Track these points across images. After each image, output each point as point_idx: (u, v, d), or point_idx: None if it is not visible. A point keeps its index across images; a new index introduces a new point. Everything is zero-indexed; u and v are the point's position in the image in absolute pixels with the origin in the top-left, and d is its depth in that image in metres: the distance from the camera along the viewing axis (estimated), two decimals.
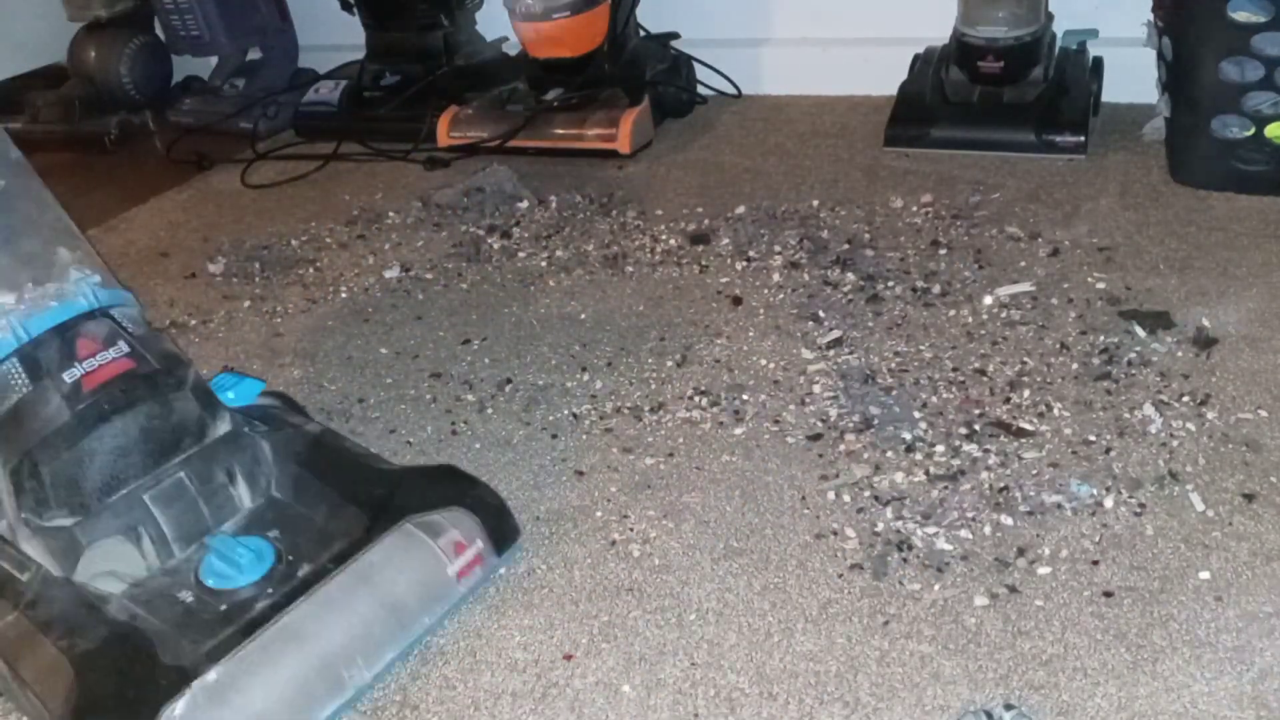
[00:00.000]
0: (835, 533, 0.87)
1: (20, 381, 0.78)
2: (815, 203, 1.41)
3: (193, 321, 1.33)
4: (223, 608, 0.77)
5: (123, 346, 0.81)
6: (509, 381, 1.12)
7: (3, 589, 0.79)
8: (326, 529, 0.83)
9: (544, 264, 1.36)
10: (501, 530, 0.86)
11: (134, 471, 0.80)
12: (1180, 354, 1.02)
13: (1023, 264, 1.20)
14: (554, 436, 1.03)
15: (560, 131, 1.67)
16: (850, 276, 1.22)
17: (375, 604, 0.77)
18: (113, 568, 0.79)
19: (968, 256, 1.24)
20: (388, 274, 1.38)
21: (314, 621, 0.75)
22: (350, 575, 0.78)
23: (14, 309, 0.79)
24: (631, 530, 0.90)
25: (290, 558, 0.81)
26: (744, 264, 1.29)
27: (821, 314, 1.16)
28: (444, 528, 0.82)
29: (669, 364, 1.12)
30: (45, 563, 0.79)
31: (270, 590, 0.78)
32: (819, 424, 0.99)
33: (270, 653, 0.73)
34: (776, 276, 1.25)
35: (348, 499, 0.85)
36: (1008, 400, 0.99)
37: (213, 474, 0.84)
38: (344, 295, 1.35)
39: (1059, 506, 0.86)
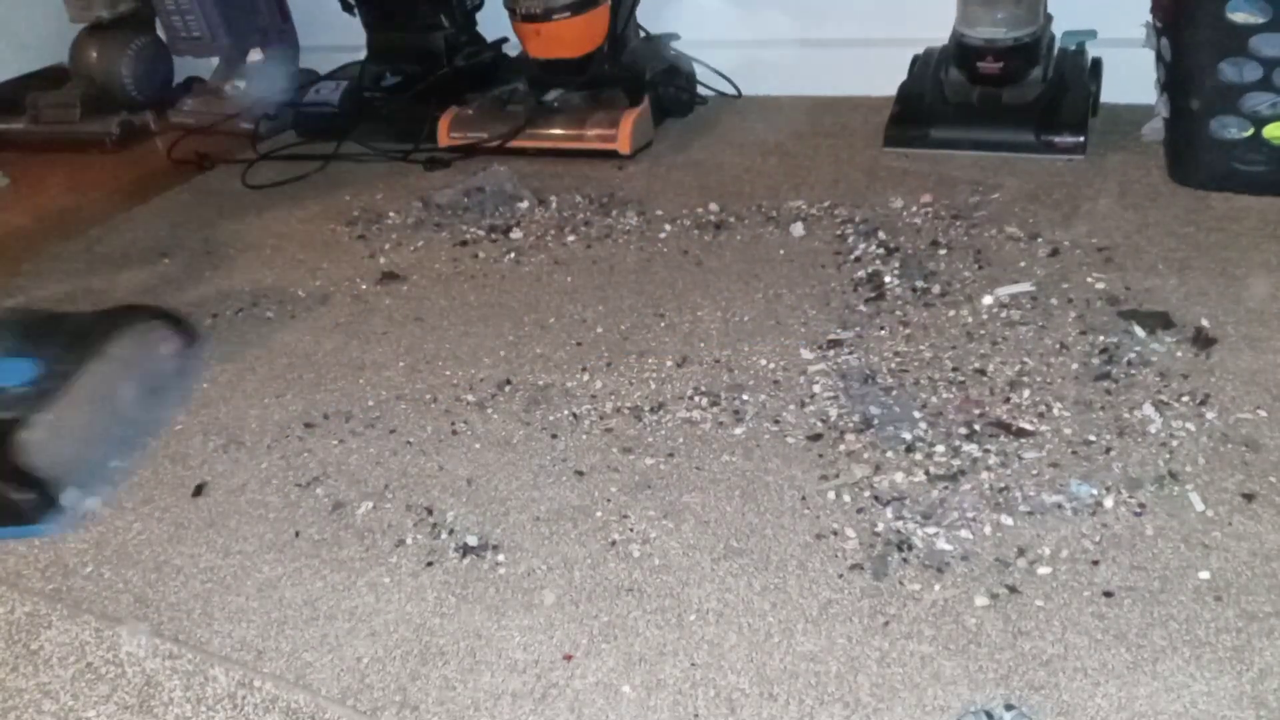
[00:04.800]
0: (835, 533, 0.87)
1: None
2: (815, 203, 1.41)
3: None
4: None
5: None
6: (509, 382, 1.13)
7: None
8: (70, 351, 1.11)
9: (544, 264, 1.36)
10: (185, 327, 1.24)
11: None
12: (1180, 354, 1.02)
13: (1022, 264, 1.21)
14: (554, 436, 1.03)
15: (560, 132, 1.67)
16: (850, 276, 1.22)
17: (127, 374, 1.12)
18: None
19: (967, 256, 1.24)
20: (387, 274, 1.38)
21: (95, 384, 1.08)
22: (101, 360, 1.09)
23: None
24: (631, 530, 0.90)
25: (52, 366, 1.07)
26: (744, 264, 1.29)
27: (822, 314, 1.16)
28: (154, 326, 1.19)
29: (669, 364, 1.12)
30: None
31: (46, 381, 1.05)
32: (819, 424, 1.00)
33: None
34: (777, 277, 1.25)
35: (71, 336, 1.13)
36: (1008, 400, 0.99)
37: None
38: (344, 295, 1.35)
39: (1059, 506, 0.86)
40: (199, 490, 1.02)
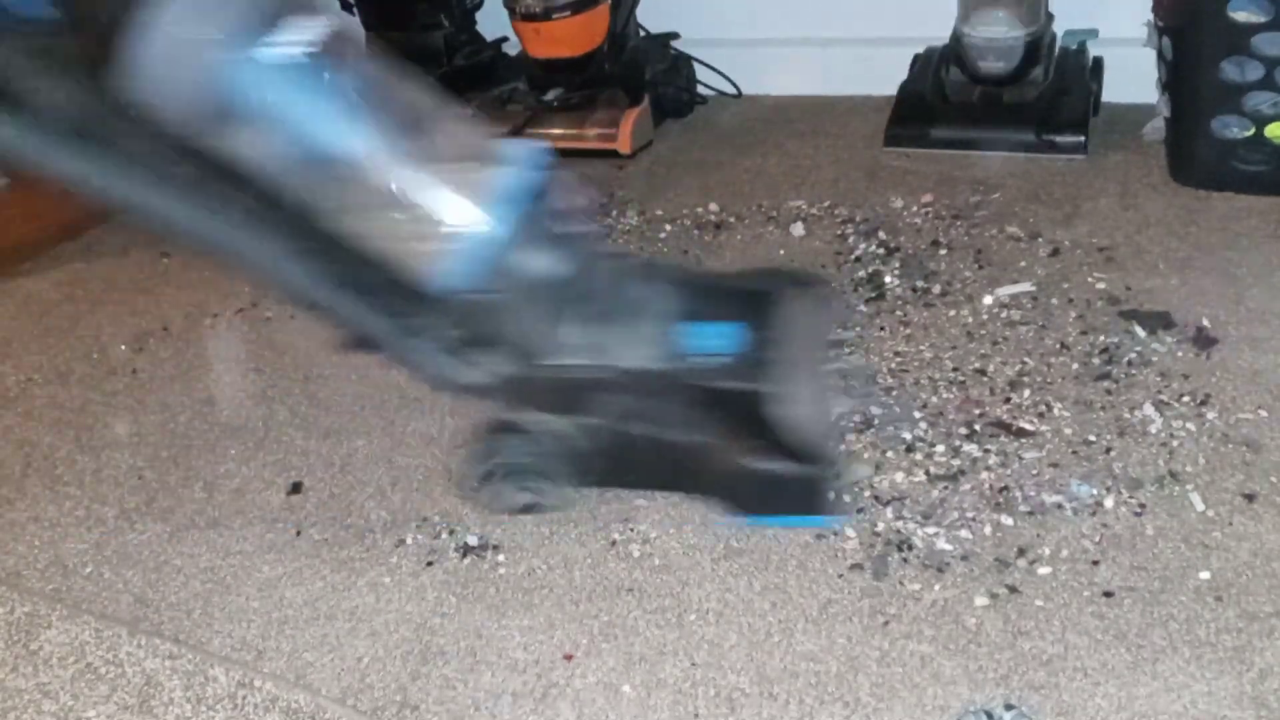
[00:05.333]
0: (835, 533, 0.87)
1: None
2: (815, 202, 1.41)
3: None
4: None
5: None
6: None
7: None
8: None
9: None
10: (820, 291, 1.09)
11: None
12: (1180, 354, 1.02)
13: (1023, 264, 1.20)
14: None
15: (560, 131, 1.66)
16: (851, 276, 1.22)
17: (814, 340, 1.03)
18: None
19: (968, 256, 1.23)
20: None
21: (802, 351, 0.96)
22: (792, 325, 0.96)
23: None
24: (631, 530, 0.90)
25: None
26: (744, 264, 1.29)
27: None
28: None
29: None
30: None
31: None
32: None
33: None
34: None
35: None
36: (1008, 400, 0.99)
37: None
38: None
39: (1059, 506, 0.86)
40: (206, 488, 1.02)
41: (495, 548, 0.90)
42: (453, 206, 0.81)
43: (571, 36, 1.62)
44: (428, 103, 0.86)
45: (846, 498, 0.89)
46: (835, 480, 0.88)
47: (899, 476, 0.91)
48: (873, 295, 1.18)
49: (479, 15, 1.88)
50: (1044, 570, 0.81)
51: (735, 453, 0.86)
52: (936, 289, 1.18)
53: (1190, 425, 0.93)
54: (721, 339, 0.91)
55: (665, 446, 0.88)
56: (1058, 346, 1.05)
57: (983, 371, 1.04)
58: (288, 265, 0.83)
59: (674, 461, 0.89)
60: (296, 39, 0.76)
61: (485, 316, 0.86)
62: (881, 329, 1.12)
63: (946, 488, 0.89)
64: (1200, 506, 0.84)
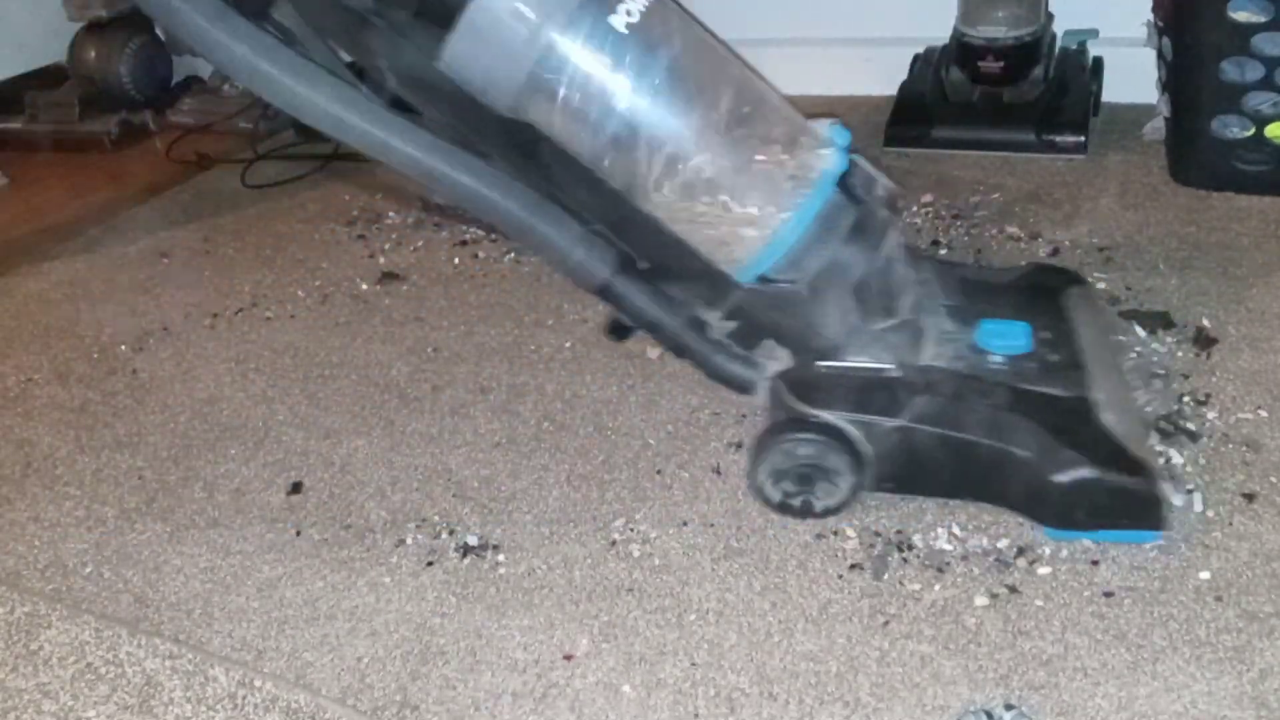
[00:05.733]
0: (835, 533, 0.87)
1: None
2: None
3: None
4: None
5: None
6: (509, 382, 1.12)
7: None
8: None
9: (544, 264, 1.36)
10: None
11: None
12: (1180, 354, 1.02)
13: (1023, 264, 1.20)
14: (555, 435, 1.03)
15: None
16: None
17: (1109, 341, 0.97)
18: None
19: (968, 256, 1.23)
20: (387, 274, 1.38)
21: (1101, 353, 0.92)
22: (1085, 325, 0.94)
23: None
24: (631, 530, 0.90)
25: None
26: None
27: None
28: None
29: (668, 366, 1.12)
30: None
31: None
32: None
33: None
34: None
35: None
36: None
37: None
38: (344, 295, 1.35)
39: None
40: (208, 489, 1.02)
41: (495, 548, 0.90)
42: (761, 193, 0.80)
43: None
44: (748, 78, 0.84)
45: (1178, 502, 0.83)
46: (1161, 492, 0.80)
47: None
48: None
49: None
50: (1044, 570, 0.81)
51: (1058, 464, 0.79)
52: None
53: (1191, 425, 0.93)
54: (1020, 339, 0.87)
55: (971, 452, 0.83)
56: None
57: None
58: (583, 248, 0.83)
59: (980, 469, 0.84)
60: (624, 9, 0.75)
61: (776, 309, 0.83)
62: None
63: None
64: (1200, 506, 0.84)
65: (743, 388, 0.89)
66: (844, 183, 0.83)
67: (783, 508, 0.88)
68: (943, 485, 0.87)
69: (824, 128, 0.85)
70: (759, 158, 0.81)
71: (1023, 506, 0.84)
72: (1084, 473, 0.79)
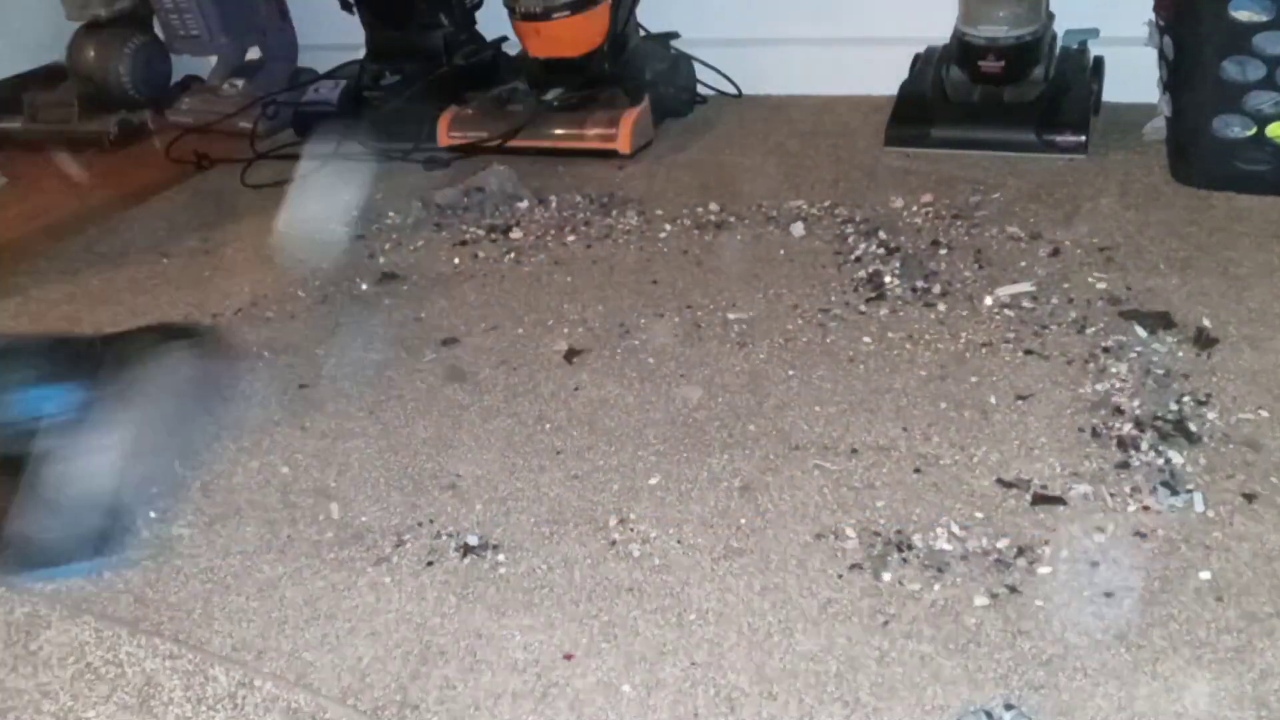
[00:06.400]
0: (835, 533, 0.87)
1: None
2: (815, 202, 1.41)
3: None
4: None
5: None
6: (509, 383, 1.12)
7: None
8: None
9: (544, 264, 1.36)
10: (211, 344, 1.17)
11: None
12: (1181, 354, 1.02)
13: (1023, 264, 1.20)
14: (555, 437, 1.03)
15: (560, 131, 1.67)
16: (851, 276, 1.22)
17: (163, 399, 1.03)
18: None
19: (968, 256, 1.23)
20: (387, 274, 1.38)
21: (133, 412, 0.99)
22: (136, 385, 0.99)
23: None
24: (631, 530, 0.90)
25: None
26: (744, 265, 1.29)
27: (822, 313, 1.16)
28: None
29: (668, 368, 1.12)
30: None
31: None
32: None
33: None
34: (777, 277, 1.25)
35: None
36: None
37: None
38: (344, 295, 1.35)
39: (1059, 506, 0.86)
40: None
41: (495, 548, 0.90)
42: None
43: (571, 36, 1.62)
44: None
45: (111, 549, 0.92)
46: (103, 537, 0.90)
47: (898, 475, 0.91)
48: (873, 295, 1.18)
49: (479, 15, 1.88)
50: (1044, 570, 0.80)
51: (8, 516, 0.87)
52: (936, 289, 1.18)
53: (1191, 425, 0.92)
54: (50, 403, 0.92)
55: None
56: (1056, 347, 1.05)
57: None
58: None
59: None
60: None
61: None
62: (882, 328, 1.12)
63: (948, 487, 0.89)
64: (1200, 506, 0.84)
65: None
66: None
67: None
68: None
69: None
70: None
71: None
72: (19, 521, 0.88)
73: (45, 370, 0.97)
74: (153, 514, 0.98)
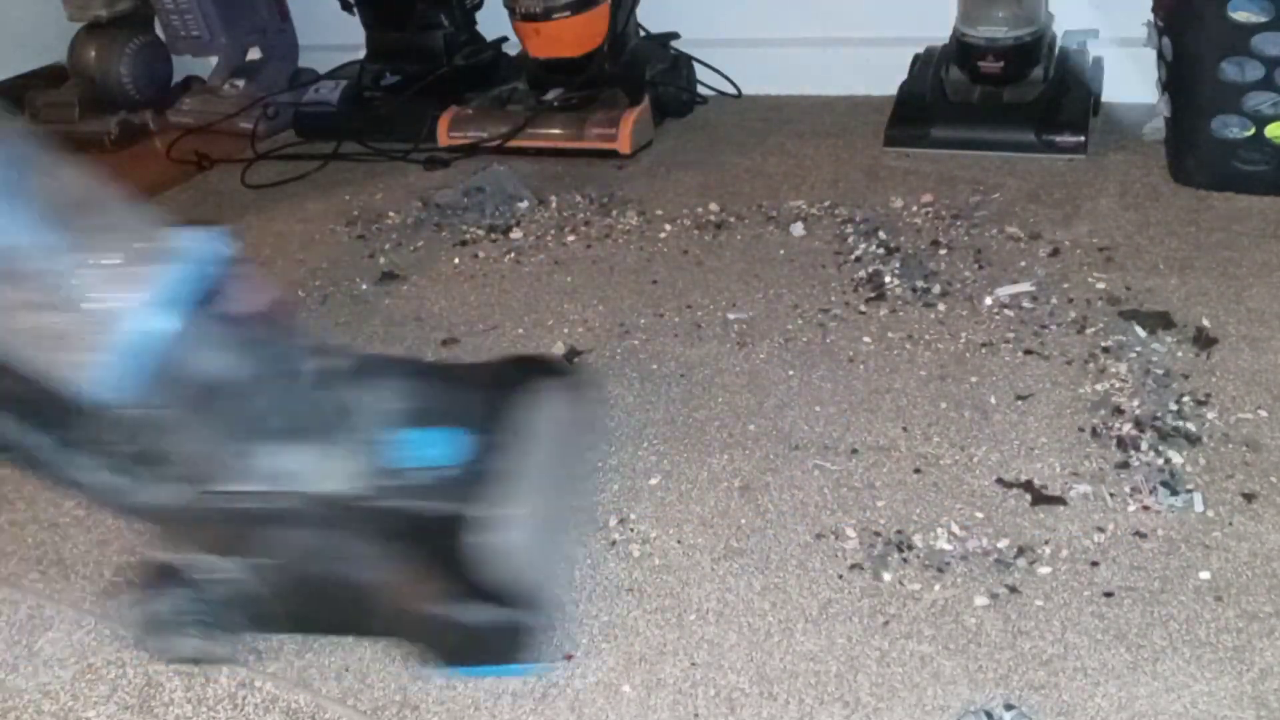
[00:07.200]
0: (835, 533, 0.87)
1: None
2: (815, 202, 1.41)
3: None
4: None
5: None
6: None
7: None
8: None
9: (544, 264, 1.36)
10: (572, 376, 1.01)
11: None
12: (1180, 354, 1.02)
13: (1023, 264, 1.20)
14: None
15: (560, 131, 1.67)
16: (851, 276, 1.22)
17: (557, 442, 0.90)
18: None
19: (968, 256, 1.24)
20: (387, 274, 1.38)
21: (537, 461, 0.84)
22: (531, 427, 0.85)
23: None
24: (631, 530, 0.90)
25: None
26: (744, 265, 1.29)
27: (822, 313, 1.16)
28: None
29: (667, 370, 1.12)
30: None
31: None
32: None
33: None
34: (777, 277, 1.25)
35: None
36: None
37: None
38: (344, 295, 1.35)
39: (1059, 506, 0.86)
40: None
41: None
42: (109, 306, 0.68)
43: (571, 36, 1.62)
44: (90, 188, 0.75)
45: (554, 640, 0.78)
46: (539, 622, 0.75)
47: (898, 475, 0.91)
48: (873, 295, 1.18)
49: (479, 15, 1.88)
50: (1044, 570, 0.81)
51: (423, 596, 0.72)
52: (936, 289, 1.18)
53: (1190, 425, 0.93)
54: (439, 449, 0.77)
55: (350, 589, 0.74)
56: (1056, 348, 1.06)
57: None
58: None
59: (364, 606, 0.74)
60: None
61: (148, 432, 0.71)
62: (881, 328, 1.12)
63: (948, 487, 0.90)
64: (1200, 506, 0.84)
65: (138, 515, 0.79)
66: (216, 293, 0.73)
67: (171, 657, 0.80)
68: (339, 624, 0.79)
69: (195, 236, 0.75)
70: (109, 269, 0.70)
71: (416, 643, 0.77)
72: (448, 608, 0.72)
73: (419, 406, 0.81)
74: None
